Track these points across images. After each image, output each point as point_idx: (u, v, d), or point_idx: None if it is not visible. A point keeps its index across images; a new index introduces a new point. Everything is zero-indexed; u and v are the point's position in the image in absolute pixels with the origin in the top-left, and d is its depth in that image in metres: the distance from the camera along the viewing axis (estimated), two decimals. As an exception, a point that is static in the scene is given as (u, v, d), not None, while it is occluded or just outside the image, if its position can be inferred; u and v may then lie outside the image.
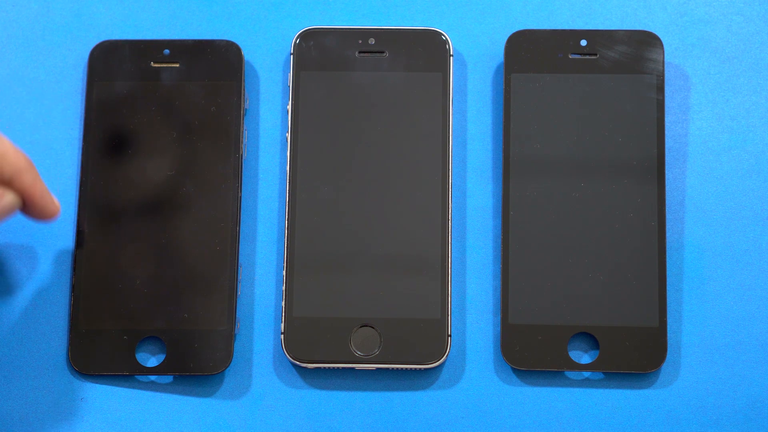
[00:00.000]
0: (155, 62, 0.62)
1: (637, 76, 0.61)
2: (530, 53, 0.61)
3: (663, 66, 0.61)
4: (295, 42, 0.62)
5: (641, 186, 0.60)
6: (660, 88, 0.61)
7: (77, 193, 0.60)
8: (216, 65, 0.62)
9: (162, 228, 0.60)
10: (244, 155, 0.61)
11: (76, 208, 0.60)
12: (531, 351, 0.58)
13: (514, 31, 0.62)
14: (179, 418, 0.59)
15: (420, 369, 0.59)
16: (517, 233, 0.59)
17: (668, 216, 0.60)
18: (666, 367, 0.59)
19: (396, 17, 0.64)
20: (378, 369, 0.59)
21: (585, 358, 0.59)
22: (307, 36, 0.62)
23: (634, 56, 0.61)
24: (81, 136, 0.61)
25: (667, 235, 0.60)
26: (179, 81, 0.62)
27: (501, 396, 0.59)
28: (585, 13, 0.63)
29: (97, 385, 0.59)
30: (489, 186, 0.62)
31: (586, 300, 0.59)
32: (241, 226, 0.61)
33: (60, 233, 0.60)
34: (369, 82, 0.61)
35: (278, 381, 0.59)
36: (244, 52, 0.62)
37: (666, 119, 0.61)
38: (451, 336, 0.58)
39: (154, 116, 0.61)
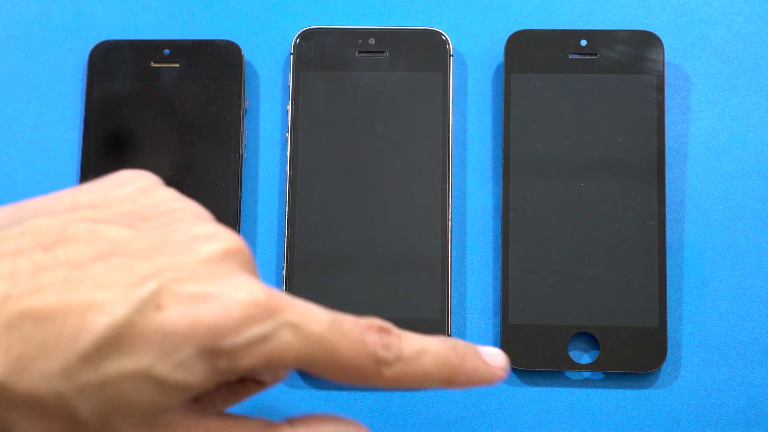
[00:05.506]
0: (155, 62, 0.62)
1: (637, 76, 0.61)
2: (530, 53, 0.61)
3: (663, 66, 0.61)
4: (295, 42, 0.62)
5: (641, 186, 0.60)
6: (660, 88, 0.61)
7: (77, 193, 0.60)
8: (216, 65, 0.62)
9: (162, 228, 0.60)
10: (244, 155, 0.61)
11: (76, 208, 0.60)
12: (531, 351, 0.58)
13: (514, 31, 0.62)
14: (179, 418, 0.59)
15: (420, 369, 0.58)
16: (517, 233, 0.59)
17: (668, 216, 0.60)
18: (666, 367, 0.59)
19: (396, 17, 0.64)
20: (378, 369, 0.59)
21: (585, 358, 0.59)
22: (307, 36, 0.62)
23: (634, 56, 0.61)
24: (81, 136, 0.61)
25: (667, 235, 0.60)
26: (179, 81, 0.62)
27: (501, 396, 0.59)
28: (585, 13, 0.63)
29: (97, 385, 0.59)
30: (489, 186, 0.62)
31: (586, 300, 0.59)
32: (241, 226, 0.61)
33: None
34: (369, 82, 0.61)
35: (278, 381, 0.59)
36: (244, 52, 0.62)
37: (666, 119, 0.61)
38: (451, 336, 0.58)
39: (154, 116, 0.61)
